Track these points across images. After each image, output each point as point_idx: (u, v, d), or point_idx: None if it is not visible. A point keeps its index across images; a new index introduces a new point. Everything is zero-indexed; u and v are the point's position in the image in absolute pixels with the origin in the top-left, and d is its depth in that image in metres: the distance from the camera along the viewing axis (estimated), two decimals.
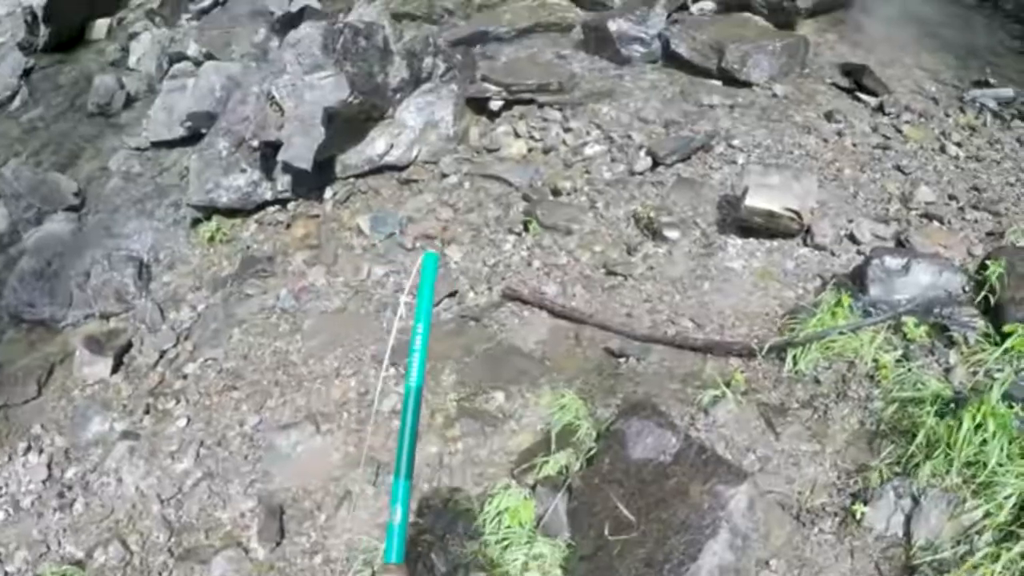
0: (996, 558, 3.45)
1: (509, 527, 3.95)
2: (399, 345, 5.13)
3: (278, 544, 4.50)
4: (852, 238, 5.32)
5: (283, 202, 6.93)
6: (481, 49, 8.09)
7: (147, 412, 5.52)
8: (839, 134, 6.44)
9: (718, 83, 7.23)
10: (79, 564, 4.67)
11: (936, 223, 5.43)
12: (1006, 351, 4.17)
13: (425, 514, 4.29)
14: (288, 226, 6.78)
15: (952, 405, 3.87)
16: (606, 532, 3.69)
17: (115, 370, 5.92)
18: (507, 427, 4.61)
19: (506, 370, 4.97)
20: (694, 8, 8.23)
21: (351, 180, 6.92)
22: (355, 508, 4.51)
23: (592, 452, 4.14)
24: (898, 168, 6.02)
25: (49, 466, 5.31)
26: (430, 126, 6.97)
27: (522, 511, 3.99)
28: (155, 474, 5.05)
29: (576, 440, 4.21)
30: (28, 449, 5.42)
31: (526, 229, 6.00)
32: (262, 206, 6.93)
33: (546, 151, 6.73)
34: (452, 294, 5.68)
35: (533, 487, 4.13)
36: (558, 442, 4.24)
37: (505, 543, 3.90)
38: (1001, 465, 3.64)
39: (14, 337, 6.51)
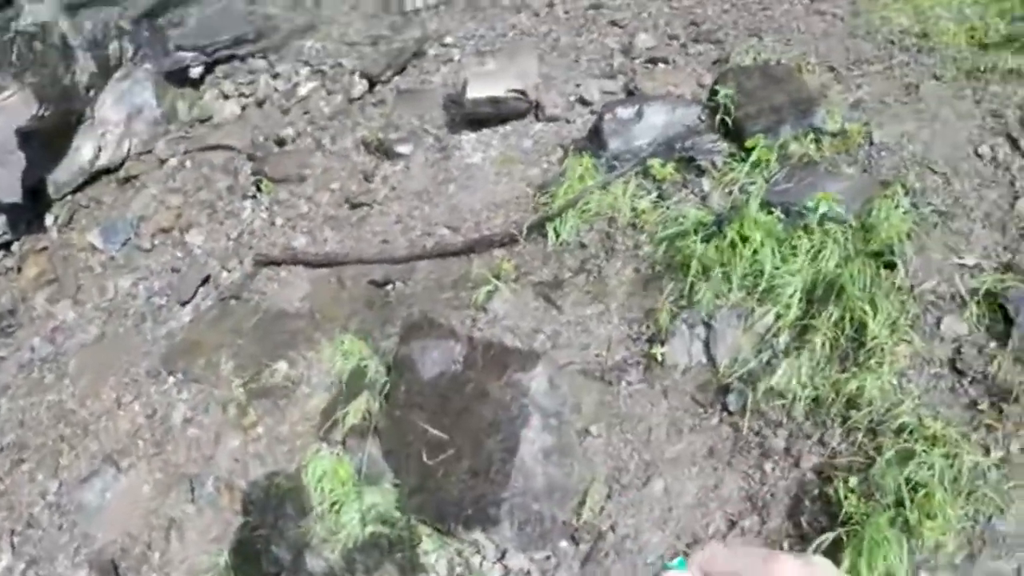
0: (798, 352, 3.76)
1: (333, 490, 3.97)
2: (168, 351, 5.14)
3: None
4: (583, 101, 5.51)
5: (5, 245, 6.55)
6: (167, 17, 7.74)
7: None
8: (550, 5, 6.63)
9: None
10: None
11: (662, 65, 5.70)
12: (754, 164, 4.50)
13: (251, 511, 4.28)
14: (19, 269, 6.42)
15: (716, 227, 4.13)
16: (425, 459, 3.77)
17: None
18: (299, 393, 4.62)
19: (280, 337, 4.96)
20: None
21: (69, 198, 6.62)
22: (183, 532, 4.43)
23: (387, 387, 4.20)
24: (614, 23, 6.26)
25: None
26: (134, 115, 6.74)
27: (339, 469, 4.02)
28: None
29: (368, 381, 4.26)
30: None
31: (259, 189, 5.94)
32: None
33: (260, 104, 6.65)
34: (205, 280, 5.59)
35: (343, 442, 4.16)
36: (352, 389, 4.28)
37: (336, 506, 3.93)
38: (777, 268, 3.97)
39: None
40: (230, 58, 7.00)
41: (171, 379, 5.07)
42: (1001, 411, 3.63)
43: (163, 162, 6.55)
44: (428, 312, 4.52)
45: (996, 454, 3.52)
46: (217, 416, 4.71)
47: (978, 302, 3.91)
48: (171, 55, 6.99)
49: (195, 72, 6.95)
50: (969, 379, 3.76)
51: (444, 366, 3.94)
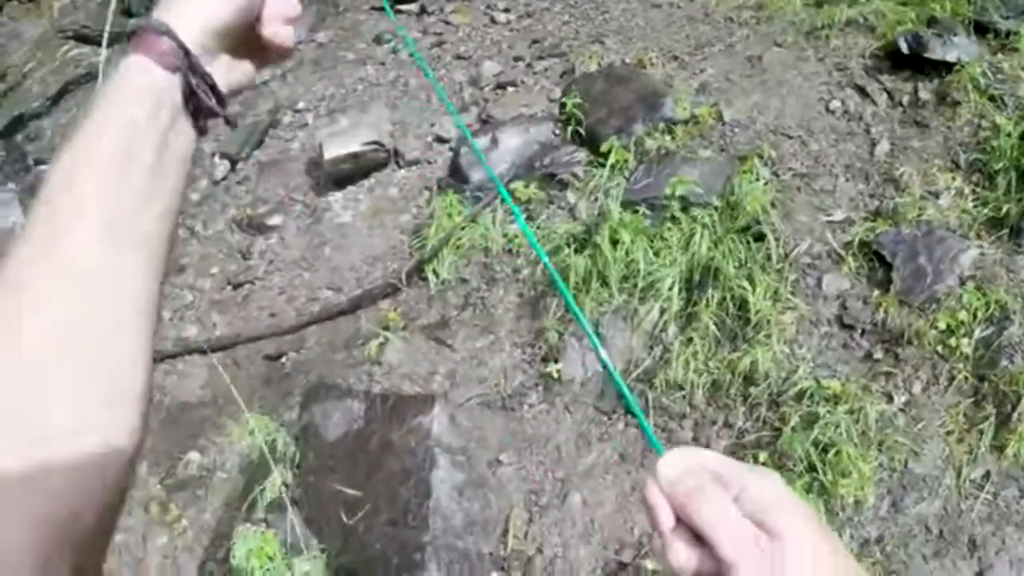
0: (688, 342, 3.91)
1: (262, 567, 4.00)
2: None
3: None
4: (440, 139, 5.62)
5: None
6: (24, 133, 7.71)
7: None
8: (394, 51, 6.71)
9: None
10: None
11: (511, 88, 5.83)
12: (612, 167, 4.63)
13: None
14: None
15: (586, 237, 4.28)
16: (344, 519, 3.83)
17: None
18: (216, 479, 4.63)
19: (188, 429, 4.98)
20: None
21: None
22: None
23: (297, 456, 4.26)
24: (458, 56, 6.37)
25: None
26: (5, 236, 6.65)
27: (266, 545, 4.03)
28: None
29: (279, 454, 4.29)
30: None
31: None
32: None
33: None
34: None
35: (265, 519, 4.19)
36: (264, 466, 4.32)
37: None
38: (652, 264, 4.10)
39: None
40: None
41: None
42: (897, 356, 3.77)
43: None
44: (324, 376, 4.58)
45: (900, 399, 3.67)
46: (141, 517, 4.68)
47: (853, 254, 4.09)
48: (32, 171, 6.94)
49: None
50: (859, 331, 3.91)
51: (347, 426, 4.02)
